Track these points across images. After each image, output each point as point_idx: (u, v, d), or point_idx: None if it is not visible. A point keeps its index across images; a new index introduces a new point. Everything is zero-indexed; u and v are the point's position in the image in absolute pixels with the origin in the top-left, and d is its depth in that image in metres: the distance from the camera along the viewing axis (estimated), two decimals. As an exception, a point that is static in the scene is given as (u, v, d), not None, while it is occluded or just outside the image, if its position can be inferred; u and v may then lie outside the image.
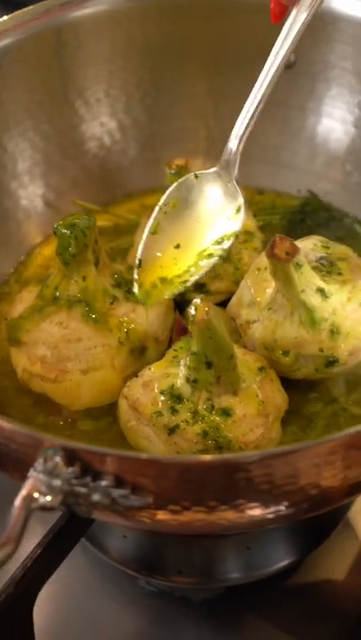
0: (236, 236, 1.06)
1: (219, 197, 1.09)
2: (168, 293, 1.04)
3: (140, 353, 1.03)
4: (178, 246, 1.07)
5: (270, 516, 0.77)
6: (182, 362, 0.94)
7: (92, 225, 1.00)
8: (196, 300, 0.89)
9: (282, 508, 0.76)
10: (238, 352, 0.96)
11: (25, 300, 1.06)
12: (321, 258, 1.03)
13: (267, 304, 0.99)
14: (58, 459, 0.71)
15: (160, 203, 1.08)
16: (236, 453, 0.88)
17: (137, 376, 0.98)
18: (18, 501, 0.70)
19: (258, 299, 1.01)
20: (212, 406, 0.92)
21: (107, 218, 1.29)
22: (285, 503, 0.76)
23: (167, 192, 1.09)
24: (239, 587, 1.04)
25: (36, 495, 0.71)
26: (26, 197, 1.25)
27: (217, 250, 1.06)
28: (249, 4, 1.24)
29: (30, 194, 1.26)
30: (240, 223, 1.07)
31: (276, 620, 1.02)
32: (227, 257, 1.08)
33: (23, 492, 0.71)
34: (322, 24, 1.19)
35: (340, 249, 1.06)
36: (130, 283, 1.06)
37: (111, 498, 0.73)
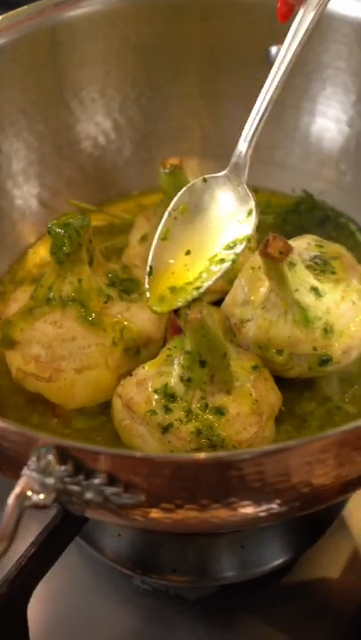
0: (249, 239, 1.02)
1: (229, 201, 1.05)
2: (181, 300, 1.00)
3: (135, 352, 1.03)
4: (188, 252, 1.03)
5: (263, 514, 0.77)
6: (176, 361, 0.94)
7: (87, 224, 1.00)
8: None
9: (274, 506, 0.76)
10: (232, 351, 0.96)
11: (19, 299, 1.07)
12: (315, 257, 1.03)
13: (261, 303, 0.99)
14: (51, 457, 0.72)
15: (169, 208, 1.04)
16: (228, 451, 0.88)
17: (131, 375, 0.98)
18: (11, 499, 0.71)
19: (252, 298, 1.01)
20: (206, 405, 0.92)
21: (101, 217, 1.29)
22: (278, 501, 0.76)
23: (176, 197, 1.05)
24: (234, 585, 1.04)
25: (29, 493, 0.71)
26: (21, 197, 1.25)
27: (229, 254, 1.02)
28: (243, 5, 1.24)
29: (25, 193, 1.26)
30: (252, 227, 1.03)
31: (270, 619, 1.02)
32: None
33: (16, 490, 0.71)
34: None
35: (334, 248, 1.06)
36: (124, 282, 1.06)
37: (104, 496, 0.73)
